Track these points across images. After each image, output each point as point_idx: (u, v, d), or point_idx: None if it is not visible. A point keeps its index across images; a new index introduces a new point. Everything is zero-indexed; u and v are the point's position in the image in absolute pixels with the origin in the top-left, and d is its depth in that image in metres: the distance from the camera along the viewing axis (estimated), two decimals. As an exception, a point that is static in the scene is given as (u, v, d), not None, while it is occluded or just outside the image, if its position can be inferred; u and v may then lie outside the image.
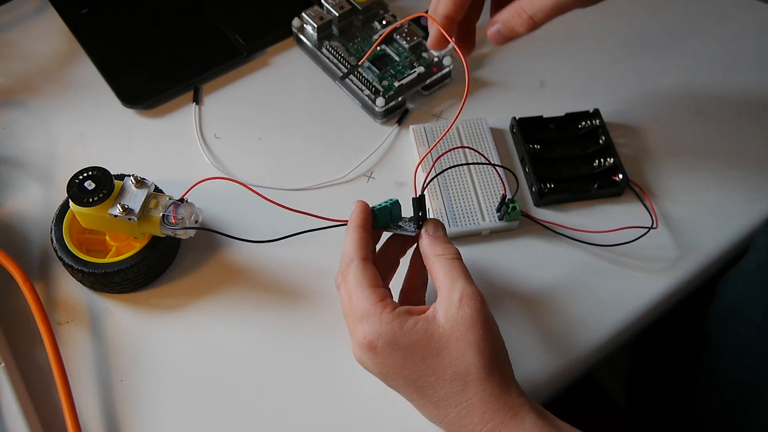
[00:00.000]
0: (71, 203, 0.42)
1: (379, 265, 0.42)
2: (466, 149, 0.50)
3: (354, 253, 0.39)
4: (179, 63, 0.56)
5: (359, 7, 0.57)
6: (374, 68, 0.54)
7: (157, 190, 0.44)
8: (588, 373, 0.45)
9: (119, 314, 0.45)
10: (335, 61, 0.55)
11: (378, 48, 0.56)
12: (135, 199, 0.42)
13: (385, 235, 0.44)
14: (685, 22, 0.61)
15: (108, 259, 0.43)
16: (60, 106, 0.54)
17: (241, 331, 0.44)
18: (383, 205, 0.41)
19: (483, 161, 0.49)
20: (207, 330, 0.44)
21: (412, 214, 0.42)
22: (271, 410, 0.41)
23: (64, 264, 0.43)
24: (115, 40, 0.58)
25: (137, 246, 0.44)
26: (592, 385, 0.81)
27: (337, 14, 0.56)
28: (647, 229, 0.48)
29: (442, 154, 0.49)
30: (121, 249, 0.44)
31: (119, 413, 0.41)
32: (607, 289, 0.46)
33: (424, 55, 0.56)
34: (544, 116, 0.53)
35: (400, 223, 0.42)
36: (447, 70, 0.55)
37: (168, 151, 0.52)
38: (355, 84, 0.54)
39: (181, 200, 0.43)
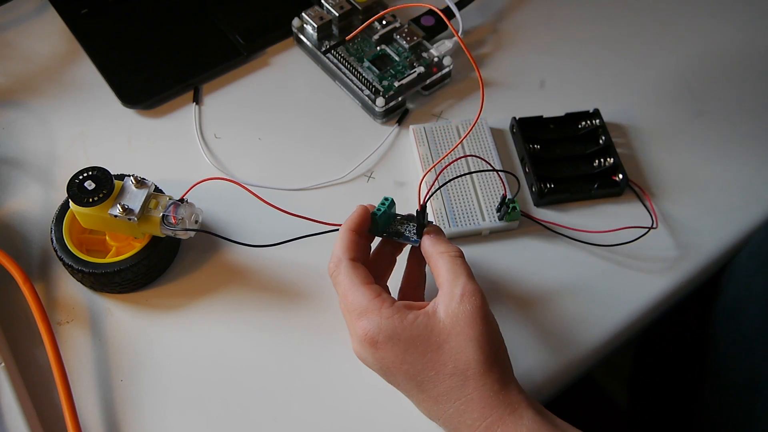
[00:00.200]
0: (71, 203, 0.42)
1: (375, 263, 0.42)
2: (469, 156, 0.50)
3: (342, 254, 0.39)
4: (179, 63, 0.56)
5: (359, 7, 0.57)
6: (374, 68, 0.54)
7: (157, 190, 0.44)
8: (588, 373, 0.46)
9: (119, 314, 0.45)
10: (335, 61, 0.55)
11: (378, 48, 0.56)
12: (135, 199, 0.42)
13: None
14: (686, 22, 0.61)
15: (108, 259, 0.43)
16: (60, 106, 0.54)
17: (241, 331, 0.44)
18: (383, 210, 0.41)
19: (486, 168, 0.49)
20: (207, 330, 0.44)
21: (407, 215, 0.42)
22: (271, 410, 0.41)
23: (64, 264, 0.43)
24: (115, 40, 0.58)
25: (137, 246, 0.44)
26: (593, 387, 0.81)
27: (337, 14, 0.56)
28: (647, 229, 0.48)
29: (446, 166, 0.49)
30: (121, 249, 0.44)
31: (119, 413, 0.41)
32: (607, 289, 0.46)
33: (424, 55, 0.56)
34: (544, 116, 0.53)
35: (401, 229, 0.42)
36: (447, 70, 0.55)
37: (168, 151, 0.52)
38: (355, 84, 0.54)
39: (181, 200, 0.43)
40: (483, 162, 0.49)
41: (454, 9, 0.57)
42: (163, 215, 0.42)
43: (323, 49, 0.55)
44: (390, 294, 0.39)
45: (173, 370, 0.43)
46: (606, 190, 0.50)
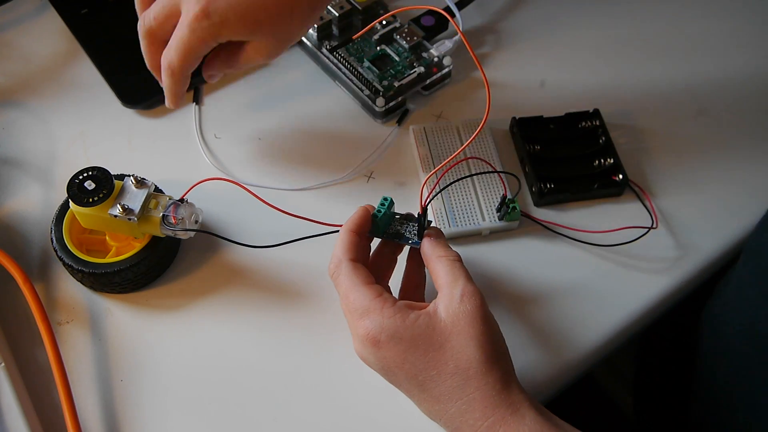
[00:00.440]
0: (71, 203, 0.42)
1: (376, 264, 0.42)
2: (470, 159, 0.50)
3: (342, 255, 0.39)
4: (179, 63, 0.56)
5: (359, 7, 0.57)
6: (374, 68, 0.54)
7: (157, 190, 0.44)
8: (588, 373, 0.46)
9: (119, 314, 0.45)
10: (335, 61, 0.55)
11: (378, 48, 0.56)
12: (135, 199, 0.42)
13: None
14: (685, 22, 0.61)
15: (108, 259, 0.43)
16: (60, 106, 0.54)
17: (241, 331, 0.44)
18: (384, 211, 0.41)
19: (487, 170, 0.49)
20: (207, 330, 0.44)
21: (406, 214, 0.42)
22: (271, 410, 0.41)
23: (64, 264, 0.43)
24: (115, 40, 0.58)
25: (137, 246, 0.44)
26: (599, 393, 0.81)
27: (337, 14, 0.56)
28: (647, 229, 0.48)
29: (448, 169, 0.49)
30: (121, 249, 0.44)
31: (119, 413, 0.41)
32: (607, 289, 0.46)
33: (424, 55, 0.56)
34: (544, 116, 0.53)
35: (401, 230, 0.42)
36: (447, 70, 0.55)
37: (168, 151, 0.52)
38: (355, 84, 0.54)
39: (181, 200, 0.43)
40: (484, 163, 0.49)
41: (454, 9, 0.57)
42: (163, 215, 0.42)
43: (328, 47, 0.55)
44: (391, 294, 0.39)
45: (173, 370, 0.43)
46: (606, 190, 0.50)
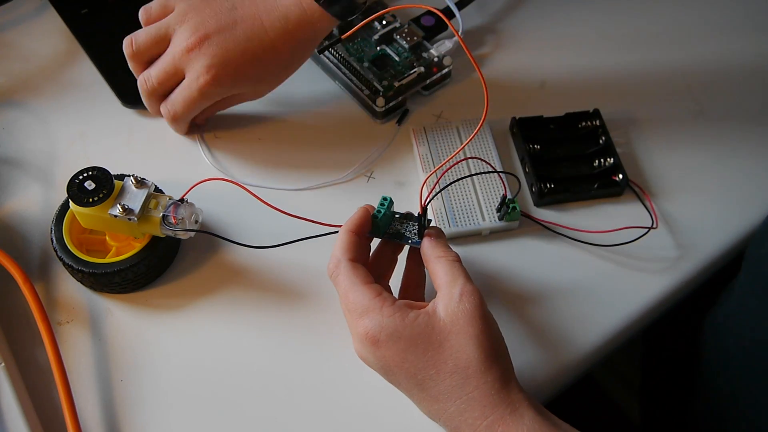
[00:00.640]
0: (71, 203, 0.42)
1: (376, 263, 0.42)
2: (470, 158, 0.50)
3: (341, 255, 0.39)
4: (179, 63, 0.56)
5: (359, 7, 0.57)
6: (374, 68, 0.54)
7: (157, 190, 0.44)
8: (589, 373, 0.46)
9: (119, 314, 0.45)
10: (335, 61, 0.55)
11: (378, 48, 0.56)
12: (135, 199, 0.42)
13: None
14: (685, 22, 0.61)
15: (108, 259, 0.43)
16: (60, 106, 0.54)
17: (241, 331, 0.44)
18: (384, 211, 0.41)
19: (488, 170, 0.49)
20: (207, 330, 0.44)
21: (406, 213, 0.42)
22: (272, 410, 0.41)
23: (64, 264, 0.43)
24: (115, 40, 0.57)
25: (137, 246, 0.44)
26: (600, 394, 0.81)
27: (337, 14, 0.56)
28: (647, 229, 0.48)
29: (448, 169, 0.49)
30: (121, 249, 0.44)
31: (119, 413, 0.41)
32: (607, 289, 0.46)
33: (424, 55, 0.56)
34: (544, 116, 0.53)
35: (401, 230, 0.42)
36: (447, 70, 0.55)
37: (168, 152, 0.52)
38: (355, 84, 0.54)
39: (181, 200, 0.43)
40: (484, 164, 0.49)
41: (454, 9, 0.57)
42: (163, 215, 0.42)
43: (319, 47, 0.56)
44: (391, 293, 0.39)
45: (173, 370, 0.43)
46: (606, 190, 0.50)
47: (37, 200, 0.49)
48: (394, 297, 0.38)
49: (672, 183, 0.51)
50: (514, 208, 0.46)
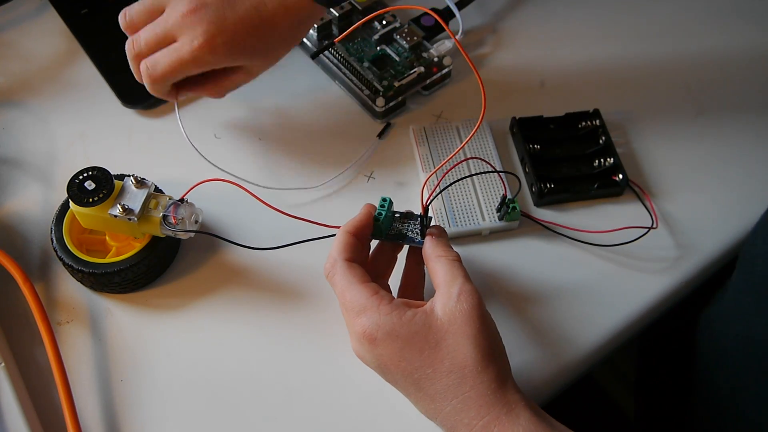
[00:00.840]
0: (71, 203, 0.42)
1: (375, 262, 0.42)
2: (470, 159, 0.50)
3: (338, 255, 0.39)
4: (179, 63, 0.56)
5: (359, 7, 0.57)
6: (374, 68, 0.54)
7: (157, 190, 0.44)
8: (588, 373, 0.46)
9: (119, 314, 0.45)
10: (335, 61, 0.55)
11: (378, 48, 0.56)
12: (135, 199, 0.42)
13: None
14: (686, 23, 0.61)
15: (108, 259, 0.43)
16: (60, 106, 0.54)
17: (240, 331, 0.44)
18: (385, 213, 0.41)
19: (488, 170, 0.49)
20: (207, 330, 0.44)
21: (406, 212, 0.43)
22: (271, 410, 0.41)
23: (64, 264, 0.43)
24: (115, 40, 0.57)
25: (137, 246, 0.44)
26: (599, 393, 0.81)
27: (337, 14, 0.56)
28: (647, 229, 0.48)
29: (449, 170, 0.49)
30: (121, 249, 0.44)
31: (119, 413, 0.41)
32: (607, 289, 0.46)
33: (424, 55, 0.56)
34: (544, 116, 0.53)
35: (403, 231, 0.42)
36: (447, 70, 0.55)
37: (168, 152, 0.52)
38: (355, 84, 0.54)
39: (181, 200, 0.43)
40: (484, 163, 0.49)
41: (454, 9, 0.57)
42: (164, 215, 0.42)
43: (311, 52, 0.55)
44: (389, 292, 0.39)
45: (173, 370, 0.43)
46: (606, 190, 0.50)
47: (37, 200, 0.49)
48: (392, 295, 0.38)
49: (672, 183, 0.51)
50: (514, 208, 0.46)
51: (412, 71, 0.54)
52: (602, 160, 0.51)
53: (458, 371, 0.35)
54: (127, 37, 0.47)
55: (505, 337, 0.38)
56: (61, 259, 0.43)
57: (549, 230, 0.48)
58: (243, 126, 0.54)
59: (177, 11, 0.44)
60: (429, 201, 0.40)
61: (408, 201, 0.50)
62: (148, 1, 0.47)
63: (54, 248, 0.44)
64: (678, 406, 0.56)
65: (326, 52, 0.56)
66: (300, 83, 0.57)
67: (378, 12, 0.43)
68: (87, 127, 0.53)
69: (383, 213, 0.41)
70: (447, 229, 0.47)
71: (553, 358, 0.43)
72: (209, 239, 0.47)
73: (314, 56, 0.55)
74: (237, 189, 0.45)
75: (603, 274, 0.47)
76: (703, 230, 0.49)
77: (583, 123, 0.53)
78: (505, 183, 0.49)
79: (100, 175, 0.42)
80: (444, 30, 0.58)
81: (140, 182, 0.42)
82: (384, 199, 0.42)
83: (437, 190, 0.48)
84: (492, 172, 0.50)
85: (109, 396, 0.42)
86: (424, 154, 0.51)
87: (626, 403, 0.79)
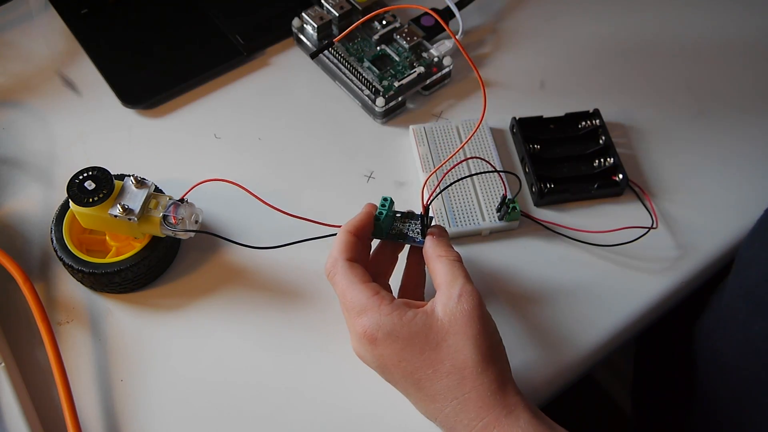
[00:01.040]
0: (71, 203, 0.42)
1: (376, 262, 0.42)
2: (470, 159, 0.50)
3: (338, 255, 0.39)
4: (179, 63, 0.56)
5: (359, 7, 0.57)
6: (374, 68, 0.54)
7: (157, 190, 0.44)
8: (588, 373, 0.45)
9: (119, 314, 0.45)
10: (335, 61, 0.55)
11: (378, 48, 0.56)
12: (135, 199, 0.42)
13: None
14: (686, 22, 0.61)
15: (108, 259, 0.43)
16: (60, 106, 0.54)
17: (240, 331, 0.44)
18: (385, 213, 0.41)
19: (488, 170, 0.49)
20: (207, 330, 0.44)
21: (407, 212, 0.43)
22: (271, 409, 0.41)
23: (64, 264, 0.43)
24: (115, 40, 0.58)
25: (137, 246, 0.44)
26: (598, 391, 0.81)
27: (337, 14, 0.56)
28: (647, 229, 0.48)
29: (448, 171, 0.49)
30: (121, 249, 0.44)
31: (119, 413, 0.41)
32: (607, 289, 0.46)
33: (424, 55, 0.56)
34: (544, 116, 0.53)
35: (404, 230, 0.42)
36: (447, 70, 0.55)
37: (168, 151, 0.52)
38: (355, 84, 0.54)
39: (181, 200, 0.43)
40: (484, 163, 0.49)
41: (454, 9, 0.57)
42: (164, 215, 0.42)
43: (310, 52, 0.56)
44: (390, 292, 0.39)
45: (173, 370, 0.43)
46: (606, 190, 0.50)
47: (37, 200, 0.49)
48: (393, 296, 0.38)
49: (672, 183, 0.51)
50: (514, 208, 0.46)
51: (412, 71, 0.54)
52: (602, 160, 0.51)
53: (458, 372, 0.35)
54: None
55: (505, 337, 0.38)
56: (61, 259, 0.43)
57: (549, 230, 0.48)
58: (243, 126, 0.54)
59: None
60: (429, 201, 0.40)
61: (408, 201, 0.50)
62: None
63: (54, 248, 0.44)
64: (676, 414, 0.56)
65: (326, 52, 0.56)
66: (300, 83, 0.57)
67: (377, 11, 0.43)
68: (87, 127, 0.53)
69: (384, 212, 0.41)
70: (447, 229, 0.47)
71: (553, 358, 0.43)
72: (209, 239, 0.47)
73: (314, 56, 0.55)
74: (237, 189, 0.45)
75: (603, 274, 0.47)
76: (703, 230, 0.49)
77: (583, 123, 0.53)
78: (505, 183, 0.49)
79: (100, 175, 0.42)
80: (444, 30, 0.58)
81: (140, 182, 0.42)
82: (385, 199, 0.42)
83: (437, 190, 0.48)
84: (492, 171, 0.50)
85: (109, 396, 0.42)
86: (424, 154, 0.51)
87: (623, 400, 0.80)
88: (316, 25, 0.55)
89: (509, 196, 0.46)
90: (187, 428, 0.41)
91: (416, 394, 0.36)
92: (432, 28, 0.57)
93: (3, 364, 0.41)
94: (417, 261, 0.43)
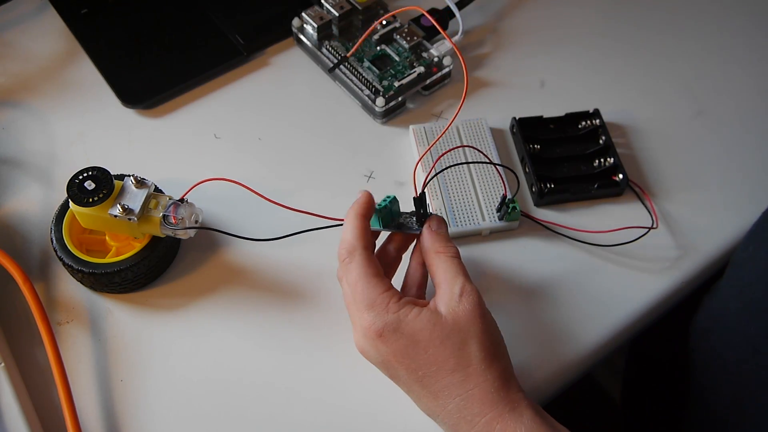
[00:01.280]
0: (71, 203, 0.42)
1: (380, 261, 0.42)
2: (467, 148, 0.50)
3: (357, 242, 0.39)
4: (179, 63, 0.56)
5: (359, 7, 0.57)
6: (374, 68, 0.54)
7: (157, 190, 0.44)
8: (588, 372, 0.45)
9: (119, 314, 0.45)
10: (335, 61, 0.55)
11: (378, 48, 0.56)
12: (135, 199, 0.42)
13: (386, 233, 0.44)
14: (685, 22, 0.61)
15: (108, 259, 0.43)
16: (60, 106, 0.54)
17: (240, 331, 0.44)
18: (383, 205, 0.41)
19: (484, 160, 0.49)
20: (207, 329, 0.44)
21: (412, 212, 0.42)
22: (272, 409, 0.41)
23: (64, 264, 0.43)
24: (115, 40, 0.58)
25: (137, 246, 0.44)
26: (590, 382, 0.81)
27: (337, 14, 0.56)
28: (647, 229, 0.48)
29: (443, 154, 0.49)
30: (121, 249, 0.44)
31: (119, 413, 0.41)
32: (607, 289, 0.46)
33: (424, 55, 0.56)
34: (544, 116, 0.53)
35: (401, 221, 0.42)
36: (447, 70, 0.55)
37: (168, 151, 0.52)
38: (355, 84, 0.54)
39: (181, 200, 0.43)
40: (481, 155, 0.49)
41: (454, 9, 0.57)
42: (164, 215, 0.42)
43: (327, 47, 0.55)
44: (397, 290, 0.39)
45: (173, 369, 0.43)
46: (606, 190, 0.50)
47: (37, 200, 0.49)
48: (400, 293, 0.38)
49: (672, 183, 0.51)
50: (514, 208, 0.46)
51: (412, 71, 0.54)
52: (602, 160, 0.51)
53: (463, 369, 0.35)
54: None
55: (505, 337, 0.38)
56: (61, 259, 0.43)
57: (549, 230, 0.48)
58: (243, 126, 0.54)
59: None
60: (426, 182, 0.40)
61: (408, 201, 0.49)
62: None
63: (54, 248, 0.44)
64: (670, 413, 0.56)
65: (326, 52, 0.56)
66: (300, 83, 0.57)
67: (385, 16, 0.43)
68: (87, 127, 0.53)
69: (383, 204, 0.41)
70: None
71: (552, 358, 0.43)
72: (209, 239, 0.47)
73: (331, 70, 0.55)
74: (237, 188, 0.45)
75: (603, 274, 0.47)
76: (703, 230, 0.49)
77: (583, 123, 0.53)
78: (505, 183, 0.49)
79: (100, 175, 0.42)
80: (444, 29, 0.58)
81: (140, 182, 0.42)
82: (389, 196, 0.42)
83: (433, 171, 0.47)
84: (487, 163, 0.49)
85: (109, 396, 0.42)
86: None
87: (614, 388, 0.80)
88: (316, 25, 0.55)
89: (509, 196, 0.46)
90: (187, 428, 0.41)
91: (419, 390, 0.37)
92: (432, 28, 0.57)
93: (3, 364, 0.41)
94: (420, 262, 0.43)
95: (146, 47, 0.57)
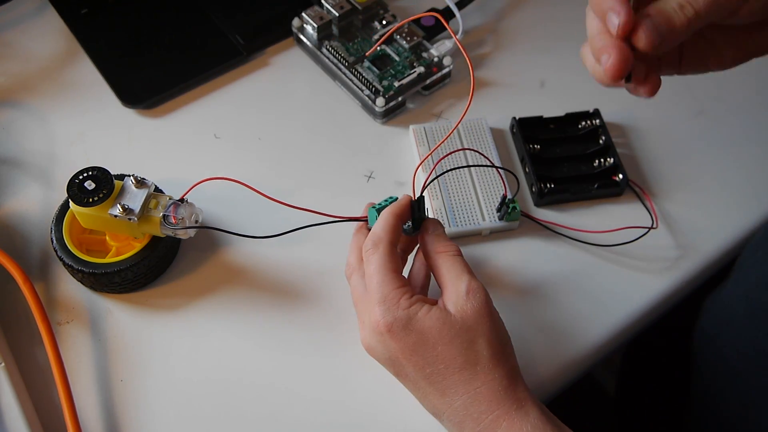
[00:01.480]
0: (71, 203, 0.42)
1: None
2: (467, 149, 0.50)
3: (385, 235, 0.39)
4: (179, 63, 0.56)
5: (359, 7, 0.57)
6: (374, 68, 0.54)
7: (157, 190, 0.44)
8: (587, 372, 0.46)
9: (119, 314, 0.45)
10: (335, 61, 0.55)
11: (378, 48, 0.56)
12: (135, 199, 0.42)
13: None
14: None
15: (108, 259, 0.43)
16: (60, 106, 0.54)
17: (241, 330, 0.44)
18: (383, 205, 0.41)
19: (485, 163, 0.49)
20: (207, 329, 0.44)
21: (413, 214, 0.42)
22: (272, 409, 0.41)
23: (64, 264, 0.43)
24: (115, 40, 0.58)
25: (137, 246, 0.44)
26: (590, 381, 0.81)
27: (337, 14, 0.56)
28: (647, 229, 0.48)
29: (443, 157, 0.49)
30: (121, 249, 0.44)
31: (119, 413, 0.41)
32: (607, 289, 0.46)
33: (424, 55, 0.56)
34: (544, 116, 0.53)
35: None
36: (447, 70, 0.55)
37: (168, 151, 0.52)
38: (355, 84, 0.54)
39: (181, 200, 0.43)
40: (481, 157, 0.49)
41: (454, 9, 0.57)
42: (164, 215, 0.42)
43: (327, 47, 0.55)
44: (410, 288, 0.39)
45: (173, 369, 0.43)
46: (606, 190, 0.50)
47: (37, 200, 0.49)
48: (412, 290, 0.38)
49: (672, 183, 0.51)
50: (514, 208, 0.46)
51: (412, 71, 0.54)
52: (602, 160, 0.51)
53: (471, 367, 0.36)
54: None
55: (506, 337, 0.38)
56: (61, 259, 0.43)
57: (549, 230, 0.48)
58: (243, 126, 0.54)
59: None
60: (425, 185, 0.40)
61: (408, 201, 0.49)
62: None
63: (54, 248, 0.44)
64: (670, 414, 0.56)
65: (326, 52, 0.56)
66: (300, 83, 0.57)
67: (396, 27, 0.43)
68: (87, 127, 0.53)
69: (384, 204, 0.41)
70: (447, 230, 0.47)
71: (553, 357, 0.43)
72: (210, 239, 0.47)
73: (351, 67, 0.55)
74: (237, 188, 0.45)
75: (603, 274, 0.47)
76: (703, 230, 0.49)
77: (583, 123, 0.53)
78: (505, 183, 0.49)
79: (100, 175, 0.42)
80: (444, 30, 0.58)
81: (140, 182, 0.42)
82: (390, 197, 0.42)
83: (433, 174, 0.47)
84: (489, 166, 0.49)
85: (109, 396, 0.41)
86: (424, 154, 0.51)
87: (609, 383, 0.80)
88: (316, 25, 0.55)
89: (509, 196, 0.46)
90: (187, 428, 0.41)
91: (426, 388, 0.37)
92: (432, 28, 0.57)
93: (3, 364, 0.41)
94: (423, 262, 0.43)
95: (146, 47, 0.57)
